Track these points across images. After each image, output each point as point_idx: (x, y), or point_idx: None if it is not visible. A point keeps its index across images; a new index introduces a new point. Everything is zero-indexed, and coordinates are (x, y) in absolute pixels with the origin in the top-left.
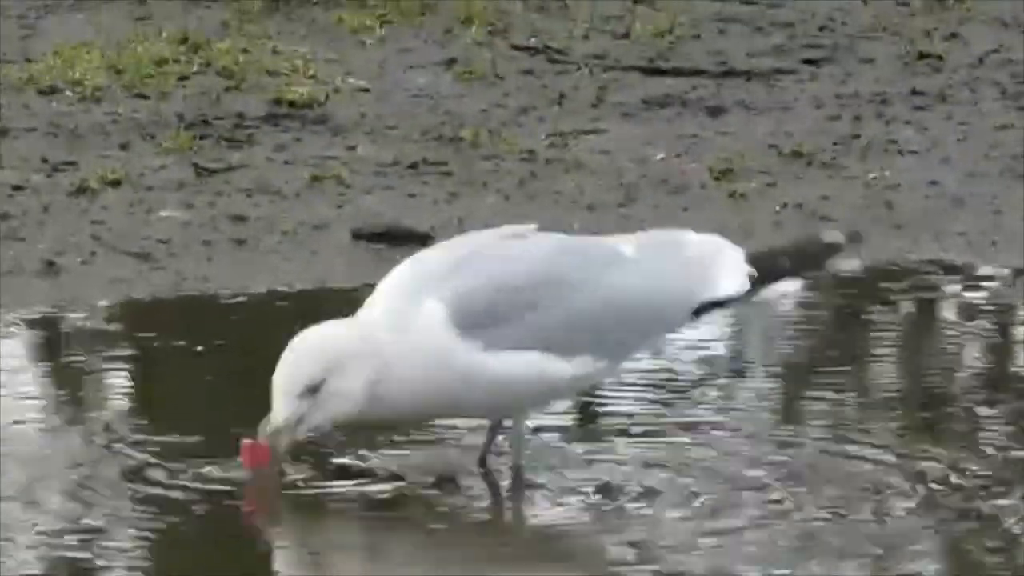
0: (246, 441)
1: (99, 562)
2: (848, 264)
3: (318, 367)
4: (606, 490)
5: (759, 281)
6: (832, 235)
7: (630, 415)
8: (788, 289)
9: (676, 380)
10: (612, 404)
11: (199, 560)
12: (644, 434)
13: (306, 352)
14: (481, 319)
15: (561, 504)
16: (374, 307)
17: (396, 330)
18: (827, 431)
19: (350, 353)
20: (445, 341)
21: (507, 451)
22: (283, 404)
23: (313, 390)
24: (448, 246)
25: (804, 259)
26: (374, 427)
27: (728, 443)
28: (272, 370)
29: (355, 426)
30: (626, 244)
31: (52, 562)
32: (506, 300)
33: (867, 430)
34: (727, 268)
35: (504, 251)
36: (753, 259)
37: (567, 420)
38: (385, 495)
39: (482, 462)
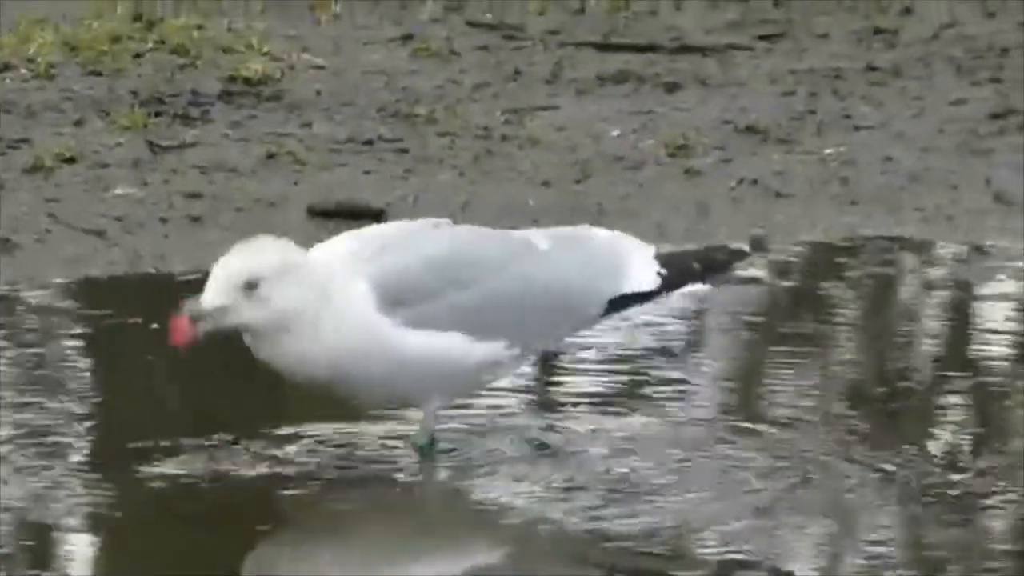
0: (176, 318)
1: (58, 546)
2: (751, 271)
3: (265, 266)
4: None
5: (669, 281)
6: (738, 244)
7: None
8: (697, 291)
9: (632, 359)
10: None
11: (155, 545)
12: (605, 410)
13: (260, 250)
14: (402, 296)
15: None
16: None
17: (324, 298)
18: (784, 408)
19: (298, 266)
20: (366, 315)
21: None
22: (217, 291)
23: (251, 287)
24: (377, 228)
25: (713, 264)
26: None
27: (687, 419)
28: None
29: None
30: (538, 238)
31: (15, 543)
32: (427, 279)
33: (823, 407)
34: (637, 265)
35: (428, 235)
36: (664, 259)
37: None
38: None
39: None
